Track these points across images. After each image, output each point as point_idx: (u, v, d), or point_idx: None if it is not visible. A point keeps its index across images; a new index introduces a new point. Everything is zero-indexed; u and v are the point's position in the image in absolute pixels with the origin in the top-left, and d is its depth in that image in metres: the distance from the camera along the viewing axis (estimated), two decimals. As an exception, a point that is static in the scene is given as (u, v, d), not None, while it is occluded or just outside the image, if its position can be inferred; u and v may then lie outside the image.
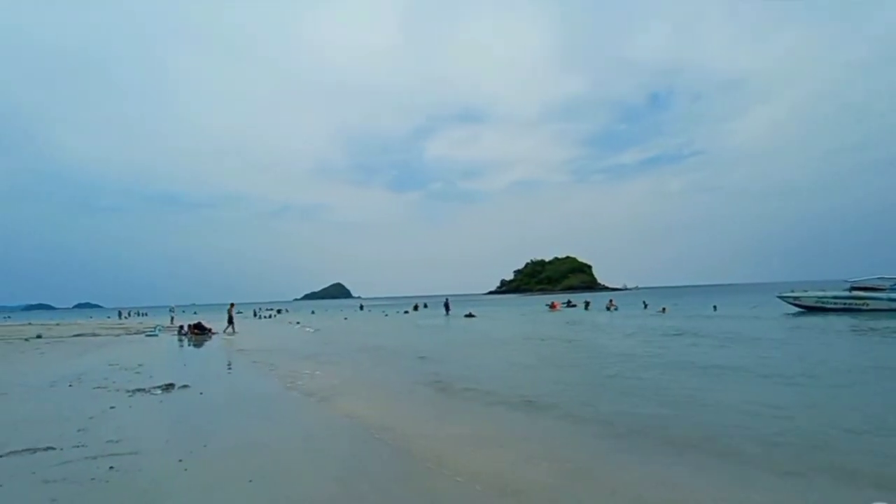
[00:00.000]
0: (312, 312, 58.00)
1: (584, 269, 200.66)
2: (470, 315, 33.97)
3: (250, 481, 4.05)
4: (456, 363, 11.58)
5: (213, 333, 22.45)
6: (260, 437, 5.54)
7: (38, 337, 22.06)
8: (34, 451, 4.85)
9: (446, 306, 41.01)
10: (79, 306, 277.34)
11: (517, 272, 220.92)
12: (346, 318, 40.85)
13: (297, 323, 35.67)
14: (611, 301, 39.82)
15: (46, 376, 10.09)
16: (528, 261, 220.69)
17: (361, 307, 68.66)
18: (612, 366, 10.42)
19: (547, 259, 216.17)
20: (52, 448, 4.94)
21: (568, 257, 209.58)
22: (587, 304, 40.93)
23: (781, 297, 29.16)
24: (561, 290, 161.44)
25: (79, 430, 5.66)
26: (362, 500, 3.67)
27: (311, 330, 26.78)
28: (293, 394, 8.21)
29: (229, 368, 12.13)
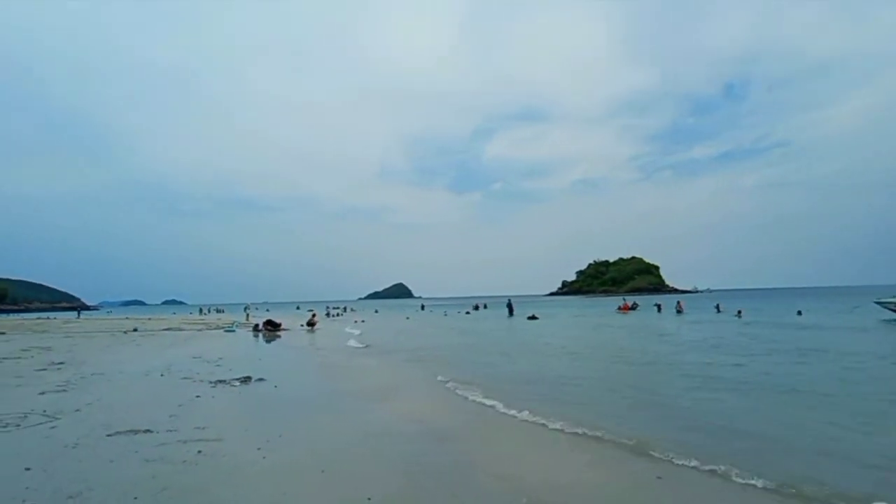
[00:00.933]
0: (376, 311, 59.59)
1: (651, 270, 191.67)
2: (533, 317, 33.35)
3: (322, 471, 4.27)
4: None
5: (285, 330, 23.70)
6: (329, 429, 5.83)
7: (135, 330, 24.33)
8: (136, 432, 5.39)
9: (510, 307, 40.54)
10: (166, 302, 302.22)
11: (579, 273, 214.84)
12: (407, 318, 41.64)
13: (362, 321, 36.85)
14: (679, 303, 37.67)
15: (142, 366, 11.12)
16: (591, 261, 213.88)
17: (422, 307, 69.62)
18: (695, 391, 8.24)
19: (611, 260, 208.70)
20: (150, 431, 5.46)
21: (634, 258, 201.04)
22: (658, 307, 38.98)
23: (880, 303, 26.14)
24: (626, 291, 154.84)
25: (170, 416, 6.21)
26: (427, 495, 3.77)
27: (361, 331, 27.48)
28: (360, 390, 8.52)
29: (301, 364, 12.77)
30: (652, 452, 4.86)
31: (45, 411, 6.35)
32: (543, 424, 6.03)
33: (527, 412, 6.59)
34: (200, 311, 67.08)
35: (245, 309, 47.80)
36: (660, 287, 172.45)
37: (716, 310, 35.36)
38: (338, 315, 48.62)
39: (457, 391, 8.35)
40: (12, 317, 59.40)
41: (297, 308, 70.26)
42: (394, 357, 13.42)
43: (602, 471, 4.38)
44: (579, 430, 5.72)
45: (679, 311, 34.42)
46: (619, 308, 42.51)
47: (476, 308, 54.42)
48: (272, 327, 23.91)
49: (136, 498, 3.59)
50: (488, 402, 7.38)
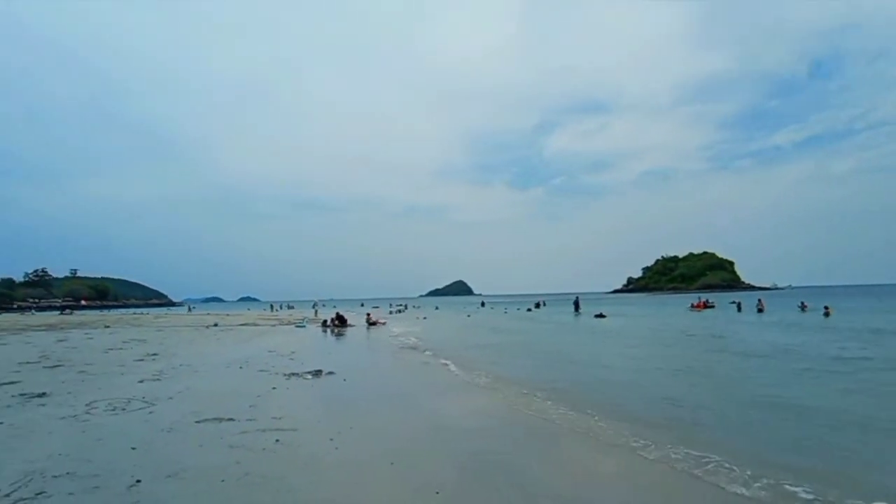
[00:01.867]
0: (437, 308, 60.40)
1: (725, 265, 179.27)
2: (601, 315, 32.21)
3: (392, 464, 4.40)
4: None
5: (351, 326, 24.58)
6: (396, 423, 5.98)
7: (216, 325, 26.22)
8: (220, 420, 5.82)
9: (576, 305, 39.47)
10: (242, 299, 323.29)
11: (646, 269, 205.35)
12: (468, 315, 41.81)
13: (424, 318, 37.47)
14: (760, 301, 34.77)
15: (223, 359, 11.97)
16: (659, 257, 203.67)
17: (483, 304, 69.61)
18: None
19: (680, 255, 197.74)
20: (232, 419, 5.87)
21: (705, 253, 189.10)
22: (738, 305, 36.00)
23: None
24: (697, 288, 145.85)
25: (250, 406, 6.63)
26: (494, 492, 3.77)
27: (422, 328, 27.84)
28: (423, 385, 8.68)
29: (368, 358, 13.21)
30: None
31: (143, 398, 7.00)
32: (631, 447, 5.59)
33: (610, 430, 6.12)
34: (271, 307, 70.97)
35: (313, 306, 50.09)
36: (734, 284, 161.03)
37: (800, 308, 32.50)
38: (399, 312, 49.69)
39: (523, 391, 8.27)
40: (114, 312, 66.11)
41: (362, 305, 72.58)
42: (456, 353, 13.50)
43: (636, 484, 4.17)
44: (676, 453, 4.72)
45: (760, 310, 31.94)
46: (693, 306, 40.12)
47: (537, 305, 53.55)
48: (340, 323, 24.87)
49: (223, 481, 3.87)
50: (552, 406, 7.25)
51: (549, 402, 7.20)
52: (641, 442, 5.10)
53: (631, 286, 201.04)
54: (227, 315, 43.57)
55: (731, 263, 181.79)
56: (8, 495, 3.51)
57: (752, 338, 16.51)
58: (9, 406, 6.45)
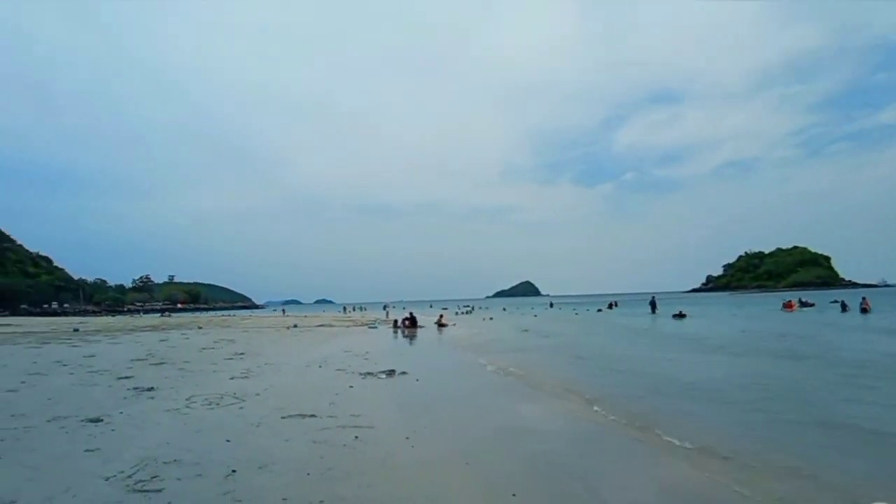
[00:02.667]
0: (504, 309, 59.95)
1: (820, 261, 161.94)
2: (680, 315, 30.27)
3: (466, 464, 4.43)
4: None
5: (420, 327, 25.07)
6: (470, 423, 6.02)
7: (295, 326, 27.77)
8: (303, 416, 6.15)
9: (652, 305, 37.58)
10: (317, 301, 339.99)
11: (727, 266, 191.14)
12: (535, 316, 41.17)
13: (491, 318, 37.39)
14: (864, 300, 30.55)
15: (303, 358, 12.64)
16: (742, 253, 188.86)
17: (551, 305, 68.33)
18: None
19: (766, 251, 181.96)
20: (314, 416, 6.18)
21: (796, 247, 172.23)
22: (843, 305, 31.61)
23: None
24: (786, 286, 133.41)
25: (330, 404, 6.95)
26: (572, 497, 3.68)
27: (490, 328, 27.66)
28: (495, 386, 8.66)
29: (438, 359, 13.40)
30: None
31: (234, 394, 7.56)
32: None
33: (687, 443, 5.12)
34: (344, 309, 73.96)
35: (384, 307, 51.70)
36: (831, 281, 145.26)
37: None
38: (467, 313, 49.93)
39: (591, 397, 8.01)
40: (205, 314, 72.01)
41: (431, 306, 73.69)
42: (523, 356, 13.34)
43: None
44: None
45: (864, 310, 28.38)
46: (785, 305, 36.60)
47: (610, 306, 51.62)
48: (410, 324, 25.42)
49: (308, 474, 4.09)
50: (621, 416, 6.95)
51: (619, 412, 6.92)
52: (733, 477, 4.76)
53: (710, 285, 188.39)
54: (305, 316, 46.03)
55: (827, 259, 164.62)
56: (129, 476, 3.94)
57: (863, 345, 14.77)
58: (125, 398, 7.23)
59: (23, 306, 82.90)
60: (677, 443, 5.14)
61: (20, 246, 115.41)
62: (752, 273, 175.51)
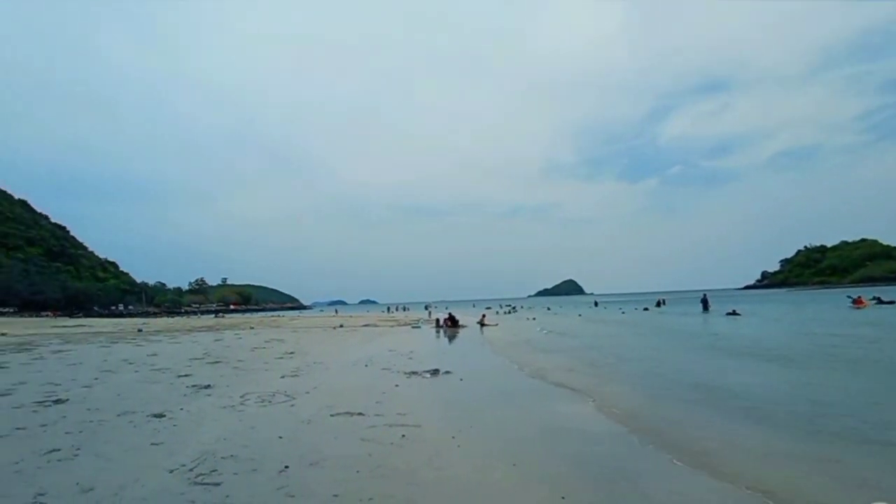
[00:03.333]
0: (548, 309, 59.11)
1: (893, 254, 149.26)
2: (733, 313, 28.77)
3: (514, 465, 4.38)
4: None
5: (463, 327, 25.09)
6: (515, 423, 5.95)
7: (341, 326, 28.45)
8: (351, 414, 6.28)
9: (704, 303, 35.86)
10: (362, 302, 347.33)
11: (784, 262, 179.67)
12: (580, 315, 40.35)
13: (533, 318, 36.93)
14: None
15: (350, 357, 12.92)
16: (801, 247, 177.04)
17: (596, 303, 66.88)
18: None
19: (829, 244, 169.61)
20: (362, 414, 6.30)
21: (864, 240, 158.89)
22: None
23: None
24: (852, 282, 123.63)
25: (376, 402, 7.06)
26: (622, 499, 3.58)
27: (534, 328, 27.28)
28: (541, 386, 8.54)
29: (481, 358, 13.36)
30: None
31: (285, 392, 7.82)
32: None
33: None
34: (388, 309, 75.10)
35: (426, 307, 52.13)
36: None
37: None
38: (508, 313, 49.55)
39: (642, 401, 7.76)
40: (256, 315, 74.97)
41: (473, 306, 73.68)
42: (570, 357, 13.09)
43: None
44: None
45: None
46: (854, 301, 33.67)
47: (658, 304, 49.85)
48: (452, 324, 25.50)
49: (358, 471, 4.17)
50: (675, 426, 6.68)
51: (662, 421, 6.66)
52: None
53: (766, 281, 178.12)
54: (351, 316, 47.07)
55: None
56: (191, 470, 4.15)
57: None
58: (185, 395, 7.63)
59: (94, 308, 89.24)
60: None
61: (91, 252, 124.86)
62: (812, 268, 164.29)
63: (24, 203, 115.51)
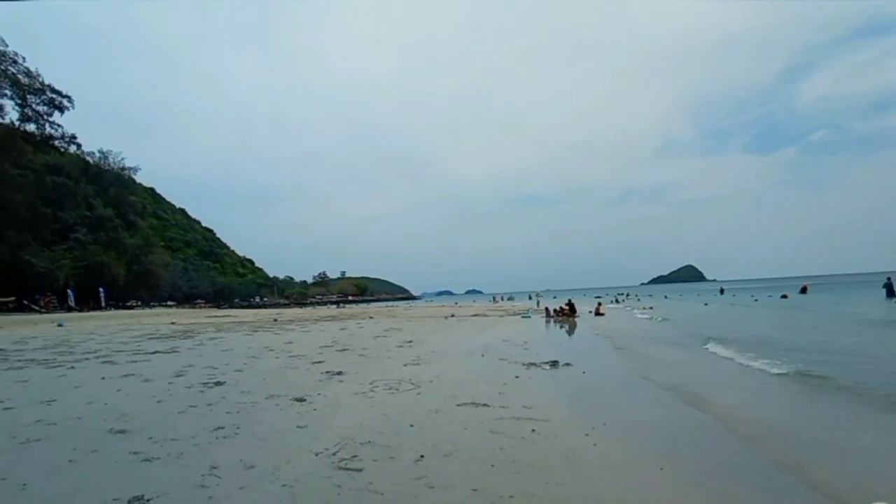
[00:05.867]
0: (665, 297, 55.14)
1: None
2: None
3: (661, 469, 3.97)
4: None
5: (578, 317, 24.18)
6: (653, 423, 5.49)
7: (452, 316, 29.04)
8: (476, 405, 6.24)
9: (889, 287, 29.71)
10: (468, 292, 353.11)
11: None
12: (706, 304, 36.76)
13: (650, 308, 34.48)
14: None
15: (465, 347, 13.03)
16: None
17: (721, 291, 60.78)
18: None
19: None
20: (487, 405, 6.22)
21: None
22: None
23: None
24: None
25: (499, 393, 6.95)
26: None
27: (652, 318, 25.26)
28: (669, 382, 7.81)
29: (599, 350, 12.70)
30: None
31: (410, 380, 8.04)
32: None
33: None
34: (493, 298, 75.23)
35: (535, 296, 51.32)
36: None
37: None
38: (616, 301, 46.81)
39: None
40: (372, 305, 79.80)
41: (584, 295, 70.99)
42: (698, 352, 11.87)
43: None
44: None
45: None
46: None
47: (802, 291, 43.63)
48: (571, 312, 24.66)
49: (493, 466, 4.06)
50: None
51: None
52: None
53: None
54: (460, 306, 47.95)
55: None
56: (334, 454, 4.36)
57: None
58: (320, 381, 8.20)
59: (236, 300, 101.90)
60: None
61: (233, 251, 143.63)
62: None
63: (182, 211, 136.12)
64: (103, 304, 55.21)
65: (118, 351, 12.91)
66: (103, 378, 8.68)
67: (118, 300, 61.01)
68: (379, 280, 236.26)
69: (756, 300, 38.52)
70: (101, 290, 55.81)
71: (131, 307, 60.22)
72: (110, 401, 6.74)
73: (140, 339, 16.81)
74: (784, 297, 39.09)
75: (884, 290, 29.93)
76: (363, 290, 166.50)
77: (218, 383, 8.01)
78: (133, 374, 8.99)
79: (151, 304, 70.18)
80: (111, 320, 31.40)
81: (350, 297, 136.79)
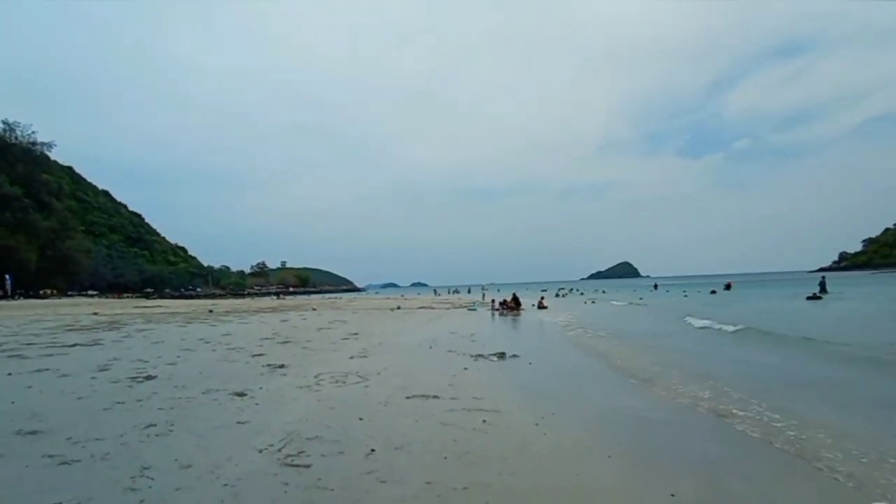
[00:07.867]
0: (603, 292, 57.50)
1: None
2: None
3: (609, 457, 4.08)
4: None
5: (523, 310, 24.71)
6: (599, 410, 5.67)
7: (398, 308, 28.83)
8: (427, 397, 6.17)
9: (822, 286, 32.67)
10: (413, 285, 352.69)
11: (867, 241, 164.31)
12: (641, 299, 38.79)
13: (592, 302, 35.93)
14: None
15: (413, 339, 12.94)
16: (890, 225, 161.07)
17: (655, 286, 64.33)
18: None
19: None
20: (437, 397, 6.17)
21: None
22: None
23: None
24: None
25: (449, 385, 6.92)
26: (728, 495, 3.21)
27: (594, 311, 26.40)
28: (618, 369, 8.14)
29: (546, 342, 13.05)
30: None
31: (357, 372, 7.85)
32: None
33: None
34: (435, 291, 75.65)
35: (482, 289, 52.27)
36: None
37: None
38: (564, 296, 48.54)
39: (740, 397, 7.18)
40: (314, 297, 77.74)
41: (527, 289, 72.86)
42: (639, 341, 12.49)
43: None
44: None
45: None
46: None
47: (727, 287, 47.17)
48: (515, 305, 25.12)
49: (445, 458, 4.01)
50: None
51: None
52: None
53: (844, 263, 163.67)
54: (406, 298, 47.76)
55: None
56: (279, 450, 4.14)
57: None
58: (261, 374, 7.82)
59: (166, 290, 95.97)
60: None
61: (164, 238, 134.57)
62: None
63: (106, 193, 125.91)
64: (9, 292, 50.21)
65: (29, 344, 11.72)
66: (10, 374, 7.83)
67: (28, 288, 55.71)
68: (321, 271, 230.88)
69: (687, 295, 41.17)
70: (6, 276, 50.68)
71: (45, 296, 55.11)
72: (19, 399, 6.07)
73: (56, 330, 15.39)
74: (713, 292, 42.10)
75: (818, 287, 32.64)
76: (305, 282, 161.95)
77: (148, 377, 7.44)
78: (48, 369, 8.17)
79: (69, 293, 64.70)
80: (20, 310, 28.64)
81: (291, 289, 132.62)
